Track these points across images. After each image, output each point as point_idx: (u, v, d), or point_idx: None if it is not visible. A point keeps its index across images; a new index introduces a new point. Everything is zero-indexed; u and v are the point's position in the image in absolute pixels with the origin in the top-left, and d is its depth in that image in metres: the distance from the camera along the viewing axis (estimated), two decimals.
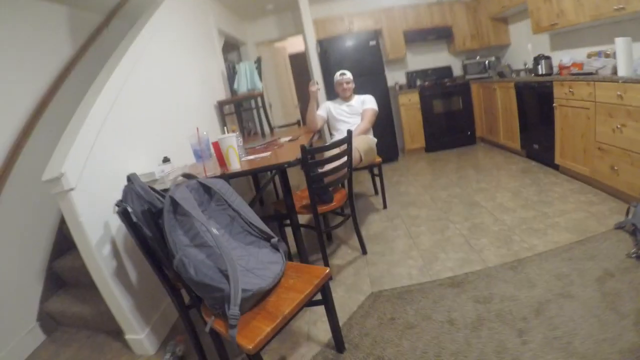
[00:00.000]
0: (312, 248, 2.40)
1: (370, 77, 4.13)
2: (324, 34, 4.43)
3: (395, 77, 4.85)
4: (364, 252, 2.24)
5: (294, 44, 6.06)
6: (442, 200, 2.86)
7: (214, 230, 1.22)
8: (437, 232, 2.35)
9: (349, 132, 1.95)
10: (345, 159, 1.97)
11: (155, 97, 2.17)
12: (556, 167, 3.05)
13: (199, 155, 1.79)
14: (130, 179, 1.42)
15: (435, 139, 4.46)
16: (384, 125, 4.14)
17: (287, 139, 2.61)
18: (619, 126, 2.19)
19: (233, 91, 3.39)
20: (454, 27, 4.54)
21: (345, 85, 2.86)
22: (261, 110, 3.49)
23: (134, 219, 1.34)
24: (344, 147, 1.98)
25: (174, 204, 1.19)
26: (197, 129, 1.84)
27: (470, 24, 4.54)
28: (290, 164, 1.63)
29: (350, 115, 2.87)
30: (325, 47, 4.10)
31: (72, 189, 1.43)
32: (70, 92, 2.46)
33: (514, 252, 1.94)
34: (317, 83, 2.75)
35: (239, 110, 3.53)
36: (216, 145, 1.94)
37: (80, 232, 1.49)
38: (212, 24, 3.41)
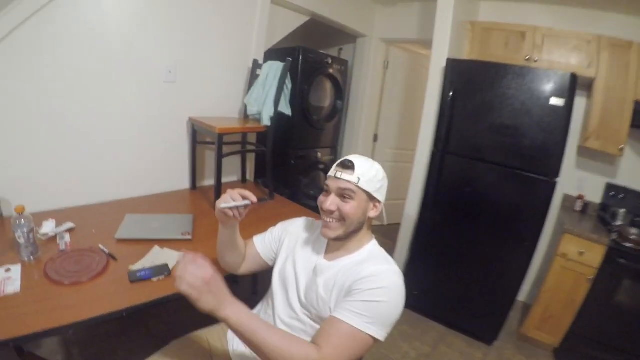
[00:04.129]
0: None
1: (525, 173, 1.95)
2: (479, 52, 2.45)
3: (582, 181, 2.40)
4: None
5: None
6: None
7: None
8: None
9: None
10: None
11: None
12: None
13: None
14: None
15: (586, 342, 1.95)
16: (508, 263, 2.09)
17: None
18: None
19: (243, 105, 2.30)
20: None
21: (333, 206, 0.88)
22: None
23: None
24: None
25: None
26: None
27: None
28: None
29: (313, 303, 0.91)
30: (455, 77, 2.11)
31: None
32: None
33: None
34: (246, 199, 0.91)
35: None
36: None
37: None
38: None
